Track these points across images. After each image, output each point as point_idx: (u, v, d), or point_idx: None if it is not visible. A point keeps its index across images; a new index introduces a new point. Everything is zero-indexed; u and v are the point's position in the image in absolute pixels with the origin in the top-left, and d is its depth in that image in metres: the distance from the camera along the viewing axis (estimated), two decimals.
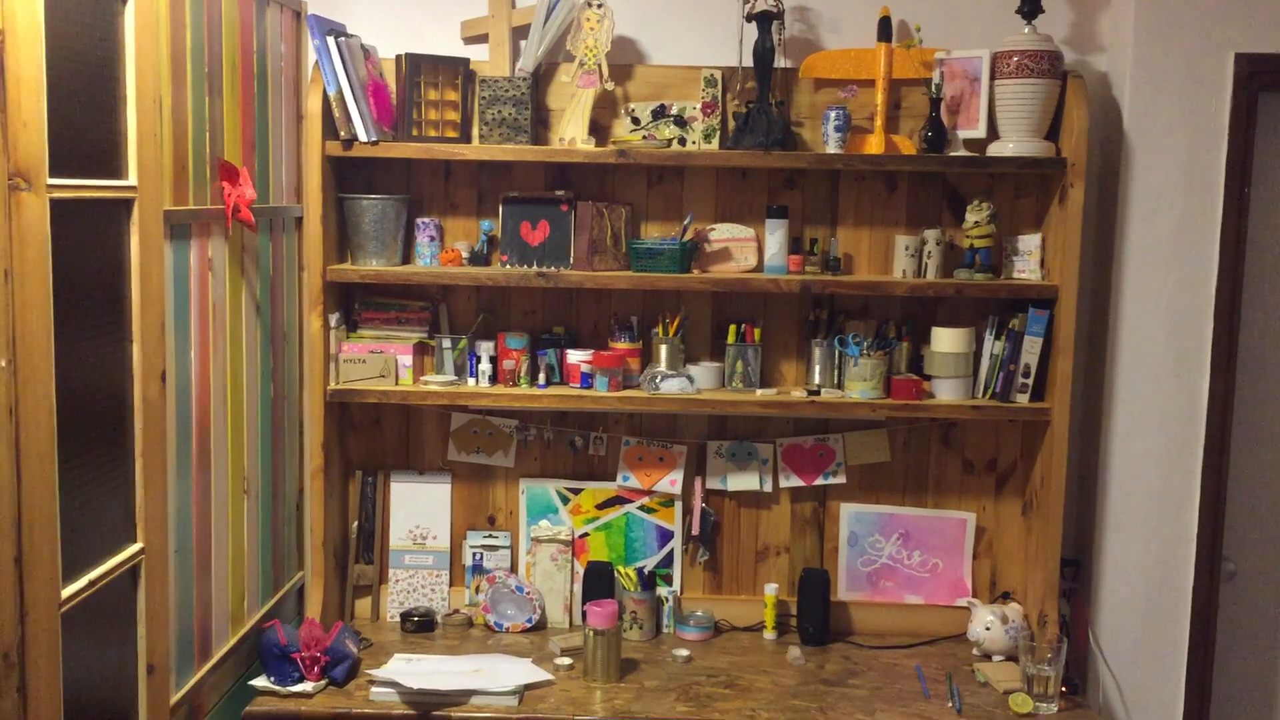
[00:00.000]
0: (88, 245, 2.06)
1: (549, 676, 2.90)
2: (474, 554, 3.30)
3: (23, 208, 1.79)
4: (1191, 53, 3.00)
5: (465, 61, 3.14)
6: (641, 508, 3.31)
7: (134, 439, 2.22)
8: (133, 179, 2.19)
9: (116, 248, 2.16)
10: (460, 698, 2.77)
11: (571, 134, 3.10)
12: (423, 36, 3.20)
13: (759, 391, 3.14)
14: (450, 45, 3.22)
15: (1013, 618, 3.06)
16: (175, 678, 2.44)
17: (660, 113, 3.17)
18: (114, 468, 2.16)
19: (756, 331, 3.18)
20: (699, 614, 3.24)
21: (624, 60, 3.19)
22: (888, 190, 3.21)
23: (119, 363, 2.18)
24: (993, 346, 3.10)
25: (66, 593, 1.95)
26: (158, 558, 2.30)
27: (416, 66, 3.08)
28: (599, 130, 3.18)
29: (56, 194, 1.89)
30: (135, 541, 2.23)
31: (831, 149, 3.06)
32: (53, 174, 1.87)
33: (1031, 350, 3.06)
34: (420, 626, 3.20)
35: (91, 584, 2.04)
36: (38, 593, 1.85)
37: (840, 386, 3.15)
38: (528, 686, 2.84)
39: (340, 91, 2.98)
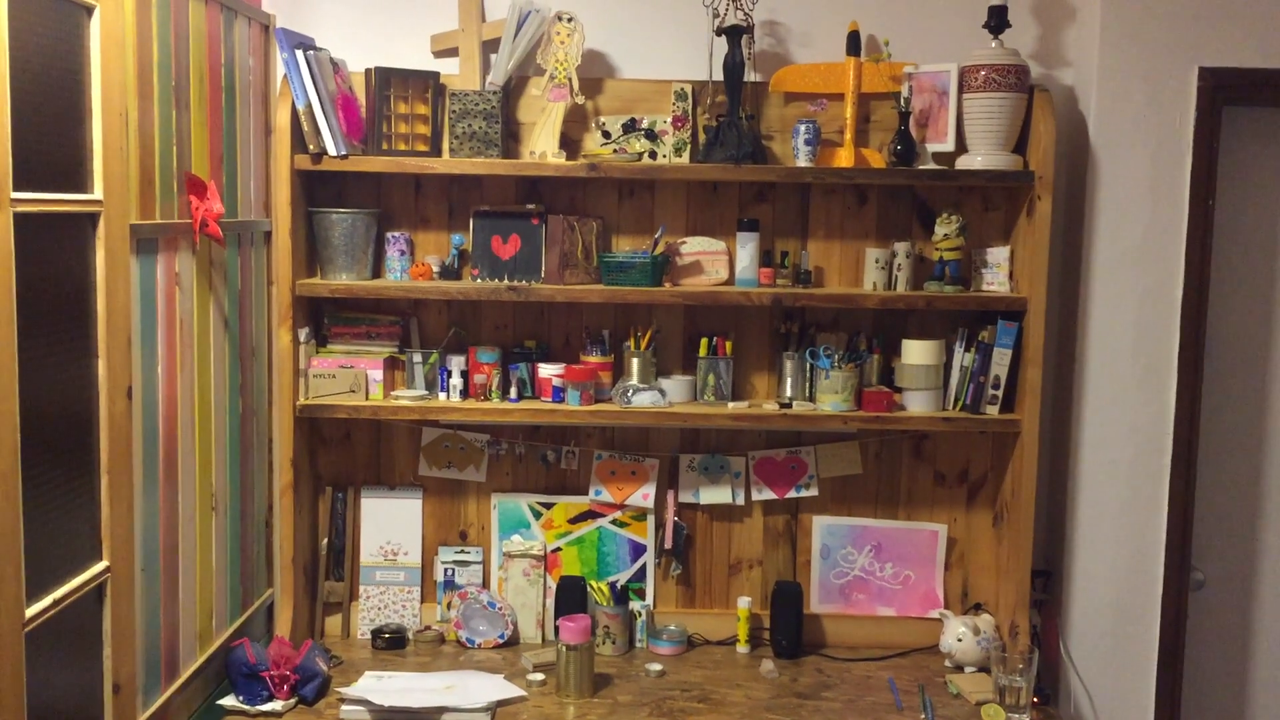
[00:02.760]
0: (52, 260, 2.04)
1: (522, 693, 2.88)
2: (445, 570, 3.28)
3: None
4: (1156, 67, 3.03)
5: (435, 75, 3.13)
6: (614, 522, 3.30)
7: (99, 455, 2.20)
8: (98, 193, 2.17)
9: (82, 262, 2.14)
10: (432, 715, 2.74)
11: (542, 148, 3.10)
12: (392, 50, 3.19)
13: (731, 404, 3.14)
14: (420, 59, 3.21)
15: (984, 629, 3.07)
16: (142, 697, 2.41)
17: (631, 126, 3.17)
18: (79, 485, 2.14)
19: (728, 344, 3.19)
20: (672, 628, 3.24)
21: (594, 74, 3.20)
22: (858, 203, 3.23)
23: (84, 378, 2.15)
24: (963, 358, 3.11)
25: (30, 612, 1.92)
26: (124, 576, 2.27)
27: (386, 80, 3.07)
28: (570, 144, 3.18)
29: (20, 208, 1.87)
30: (101, 559, 2.20)
31: (802, 162, 3.07)
32: (16, 188, 1.85)
33: (1001, 362, 3.08)
34: (391, 643, 3.17)
35: (56, 603, 2.01)
36: (1, 612, 1.82)
37: (812, 399, 3.15)
38: (500, 703, 2.82)
39: (309, 105, 2.96)
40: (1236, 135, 3.14)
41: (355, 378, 3.10)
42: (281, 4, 3.16)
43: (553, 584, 3.25)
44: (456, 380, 3.13)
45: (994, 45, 3.05)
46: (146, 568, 2.42)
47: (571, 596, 3.16)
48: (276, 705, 2.77)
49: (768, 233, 3.21)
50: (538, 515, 3.30)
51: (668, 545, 3.28)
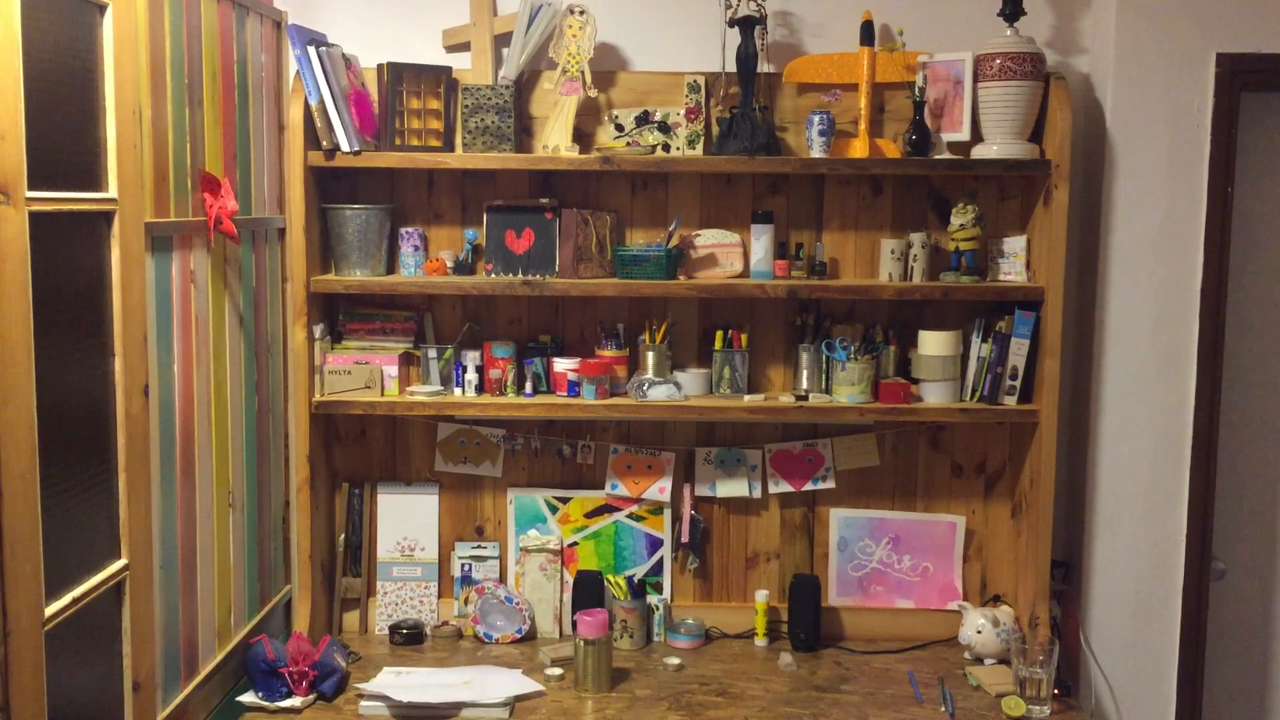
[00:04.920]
0: (68, 258, 2.04)
1: (539, 687, 2.88)
2: (462, 565, 3.28)
3: (1, 221, 1.77)
4: (1173, 53, 3.00)
5: (447, 70, 3.13)
6: (630, 516, 3.30)
7: (117, 454, 2.20)
8: (113, 191, 2.17)
9: (97, 261, 2.14)
10: (450, 710, 2.75)
11: (555, 141, 3.09)
12: (404, 45, 3.19)
13: (747, 397, 3.13)
14: (432, 54, 3.20)
15: (1004, 620, 3.06)
16: (162, 695, 2.42)
17: (644, 119, 3.16)
18: (97, 483, 2.14)
19: (743, 337, 3.17)
20: (689, 622, 3.23)
21: (607, 67, 3.18)
22: (873, 194, 3.21)
23: (101, 377, 2.15)
24: (980, 349, 3.09)
25: (50, 610, 1.92)
26: (142, 573, 2.27)
27: (398, 75, 3.07)
28: (583, 137, 3.17)
29: (35, 207, 1.87)
30: (119, 557, 2.21)
31: (816, 153, 3.05)
32: (31, 187, 1.85)
33: (1018, 352, 3.06)
34: (409, 639, 3.18)
35: (75, 601, 2.02)
36: (20, 611, 1.82)
37: (828, 391, 3.14)
38: (518, 698, 2.82)
39: (322, 101, 2.96)
40: (1255, 121, 3.12)
41: (370, 374, 3.10)
42: (293, 0, 3.15)
43: (570, 578, 3.25)
44: (472, 375, 3.13)
45: (1009, 33, 3.03)
46: (165, 565, 2.42)
47: (588, 591, 3.16)
48: (295, 701, 2.77)
49: (782, 224, 3.19)
50: (554, 510, 3.30)
51: (684, 539, 3.28)
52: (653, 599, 3.25)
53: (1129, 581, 3.14)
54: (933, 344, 3.09)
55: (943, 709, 2.82)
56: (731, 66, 3.09)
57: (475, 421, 3.28)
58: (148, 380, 2.30)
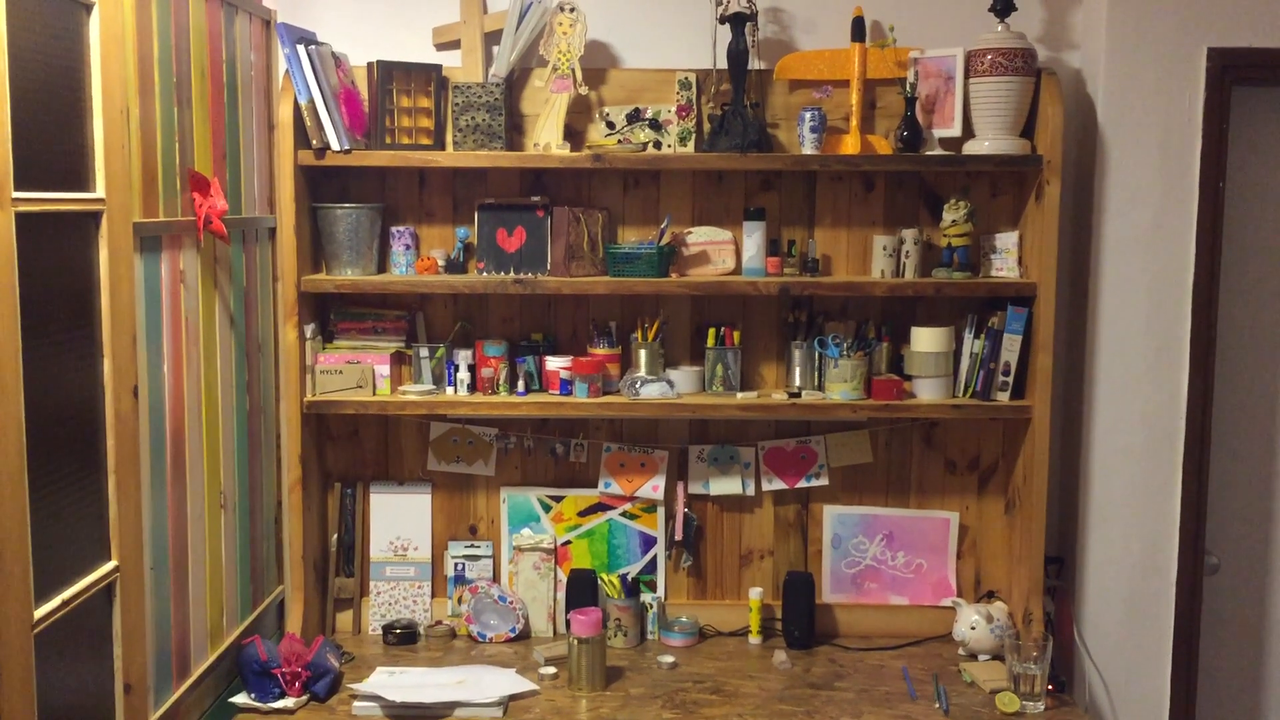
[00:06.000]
0: (56, 259, 2.03)
1: (534, 686, 2.88)
2: (456, 564, 3.28)
3: None
4: (1164, 48, 3.00)
5: (438, 68, 3.12)
6: (624, 514, 3.29)
7: (106, 454, 2.19)
8: (101, 191, 2.16)
9: (85, 261, 2.13)
10: (444, 710, 2.74)
11: (546, 139, 3.08)
12: (394, 43, 3.18)
13: (739, 395, 3.12)
14: (422, 52, 3.19)
15: (998, 617, 3.06)
16: (153, 697, 2.41)
17: (635, 116, 3.16)
18: (86, 484, 2.13)
19: (736, 334, 3.17)
20: (683, 620, 3.23)
21: (597, 64, 3.18)
22: (865, 190, 3.21)
23: (90, 378, 2.14)
24: (972, 345, 3.09)
25: (40, 613, 1.92)
26: (133, 575, 2.27)
27: (388, 74, 3.06)
28: (574, 135, 3.16)
29: (22, 208, 1.86)
30: (109, 559, 2.20)
31: (808, 150, 3.05)
32: (18, 187, 1.84)
33: (1011, 348, 3.06)
34: (403, 639, 3.17)
35: (65, 603, 2.01)
36: (10, 613, 1.81)
37: (821, 388, 3.14)
38: (512, 697, 2.81)
39: (312, 100, 2.95)
40: (1246, 116, 3.11)
41: (362, 373, 3.09)
42: None
43: (563, 577, 3.24)
44: (464, 374, 3.12)
45: (1000, 29, 3.03)
46: (156, 566, 2.41)
47: (582, 589, 3.15)
48: (289, 702, 2.76)
49: (774, 221, 3.19)
50: (547, 508, 3.29)
51: (678, 537, 3.27)
52: (646, 597, 3.25)
53: (1123, 577, 3.14)
54: (925, 340, 3.09)
55: (937, 705, 2.82)
56: (723, 63, 3.09)
57: (468, 420, 3.27)
58: (137, 381, 2.29)
